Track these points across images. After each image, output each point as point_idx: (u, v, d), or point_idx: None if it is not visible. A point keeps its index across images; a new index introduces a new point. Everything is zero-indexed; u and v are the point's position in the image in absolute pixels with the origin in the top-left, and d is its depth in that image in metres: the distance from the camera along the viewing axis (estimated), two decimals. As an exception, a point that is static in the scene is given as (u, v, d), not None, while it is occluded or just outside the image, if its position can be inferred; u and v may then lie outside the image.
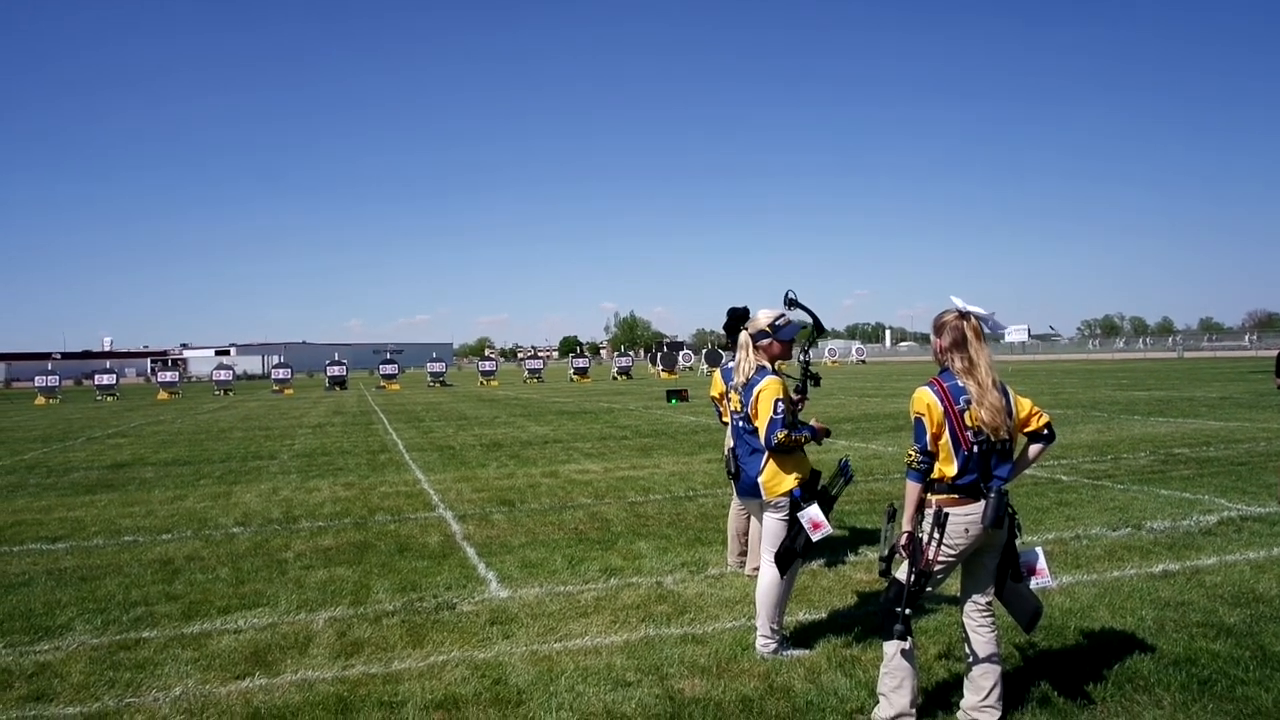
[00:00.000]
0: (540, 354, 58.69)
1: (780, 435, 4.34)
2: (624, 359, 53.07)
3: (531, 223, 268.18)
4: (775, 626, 4.49)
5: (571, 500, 9.20)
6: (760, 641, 4.50)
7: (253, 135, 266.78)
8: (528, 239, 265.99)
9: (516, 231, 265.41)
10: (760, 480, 4.47)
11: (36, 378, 46.58)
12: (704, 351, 56.55)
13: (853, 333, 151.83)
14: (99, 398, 44.72)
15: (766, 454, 4.46)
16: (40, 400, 43.18)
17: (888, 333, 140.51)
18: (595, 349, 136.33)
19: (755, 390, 4.46)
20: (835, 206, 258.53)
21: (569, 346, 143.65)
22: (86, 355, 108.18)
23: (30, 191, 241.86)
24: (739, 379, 4.60)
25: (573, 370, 50.77)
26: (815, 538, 4.37)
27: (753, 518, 4.89)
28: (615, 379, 48.37)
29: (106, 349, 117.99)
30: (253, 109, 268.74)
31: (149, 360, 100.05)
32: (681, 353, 58.71)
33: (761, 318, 4.62)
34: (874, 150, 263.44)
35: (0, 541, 8.02)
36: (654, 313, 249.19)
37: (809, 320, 4.79)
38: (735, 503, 6.04)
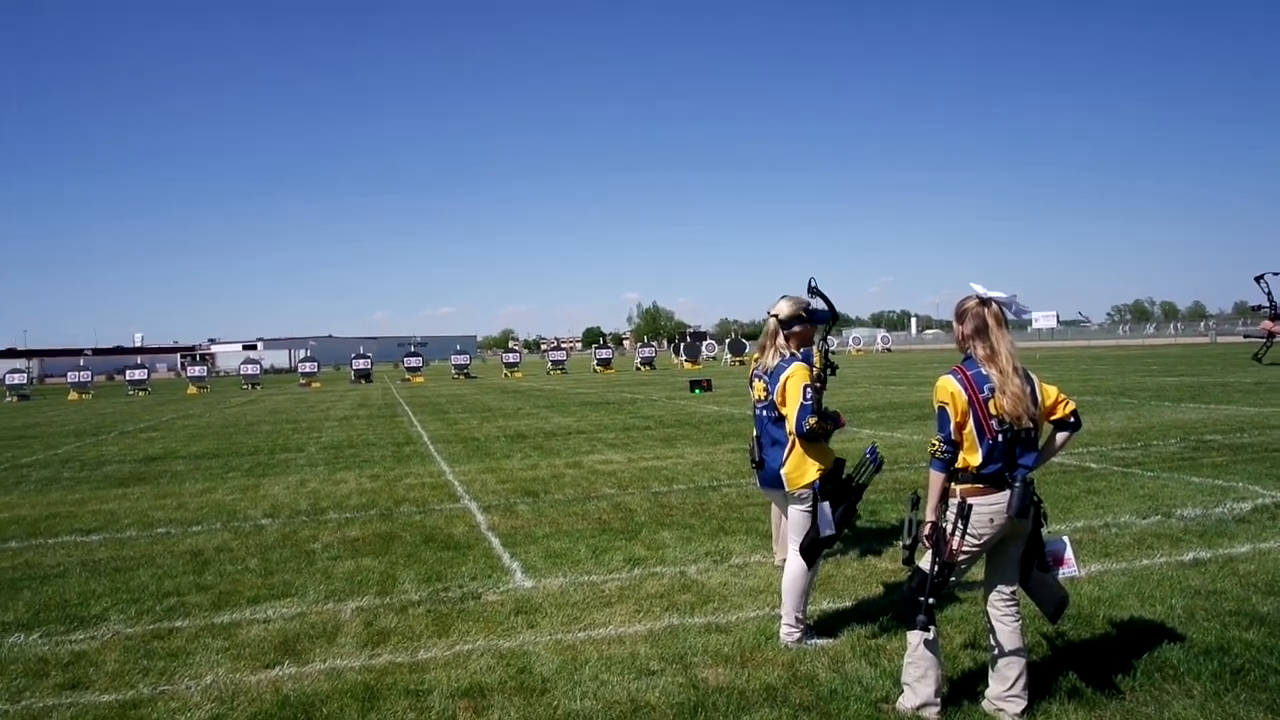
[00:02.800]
0: (563, 345, 58.82)
1: (811, 421, 4.31)
2: (647, 349, 53.02)
3: (554, 213, 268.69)
4: (800, 616, 4.49)
5: (595, 491, 9.23)
6: (785, 630, 4.49)
7: (277, 130, 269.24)
8: (550, 230, 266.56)
9: (539, 222, 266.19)
10: (783, 472, 4.45)
11: (69, 373, 47.39)
12: (727, 341, 56.36)
13: (878, 320, 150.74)
14: (130, 393, 45.42)
15: (790, 444, 4.44)
16: (73, 395, 43.93)
17: (913, 320, 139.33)
18: (618, 340, 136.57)
19: (783, 377, 4.44)
20: (859, 194, 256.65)
21: (592, 337, 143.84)
22: (118, 351, 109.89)
23: (61, 190, 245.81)
24: (767, 364, 4.58)
25: (596, 361, 50.85)
26: (824, 534, 4.31)
27: (775, 507, 4.87)
28: (639, 369, 48.39)
29: (137, 345, 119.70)
30: (276, 103, 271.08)
31: (178, 355, 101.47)
32: (705, 343, 58.55)
33: (787, 305, 4.59)
34: (898, 136, 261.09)
35: (36, 534, 8.18)
36: (677, 303, 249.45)
37: (826, 307, 4.77)
38: None
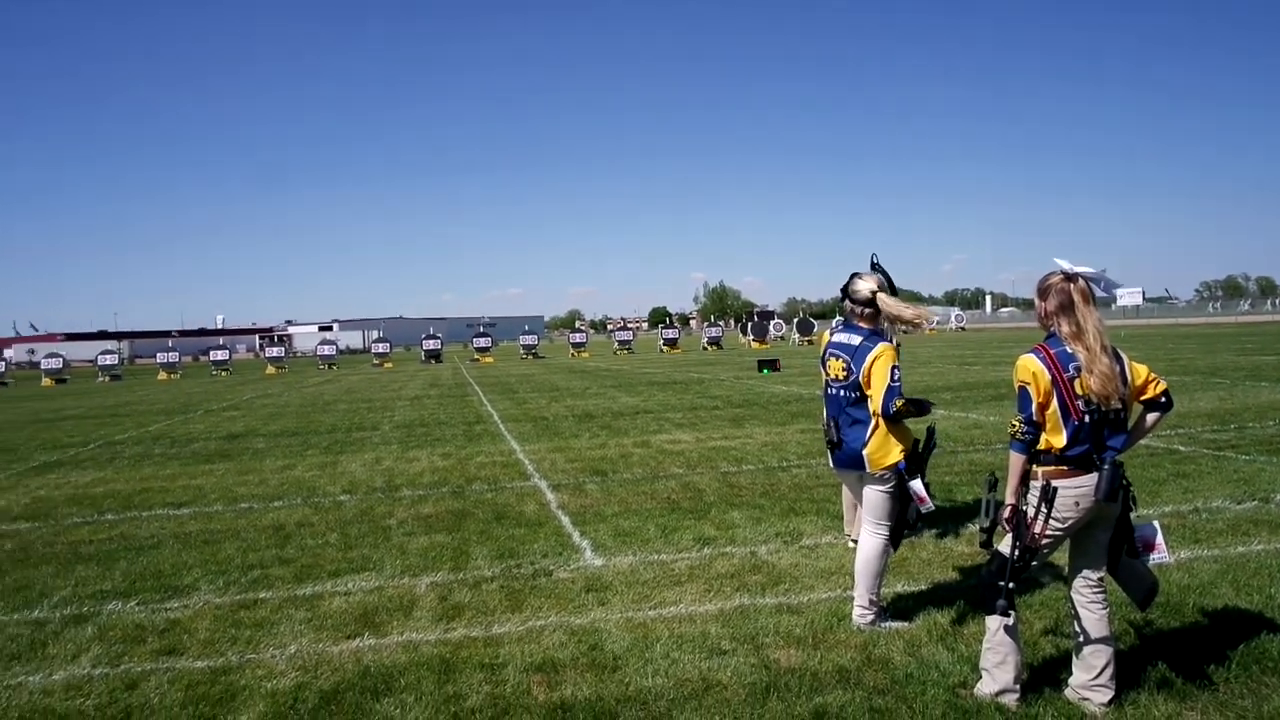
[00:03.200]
0: (630, 325, 58.93)
1: (898, 403, 4.24)
2: (714, 329, 52.76)
3: (620, 194, 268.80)
4: (874, 598, 4.42)
5: (664, 470, 9.24)
6: (858, 612, 4.43)
7: (348, 116, 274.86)
8: (616, 211, 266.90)
9: (605, 203, 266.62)
10: (866, 452, 4.35)
11: (158, 354, 49.42)
12: (795, 320, 55.72)
13: (951, 299, 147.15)
14: (214, 372, 47.22)
15: (873, 424, 4.34)
16: (162, 375, 45.84)
17: (988, 298, 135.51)
18: (685, 320, 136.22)
19: (870, 356, 4.32)
20: (930, 169, 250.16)
21: (658, 317, 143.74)
22: (202, 333, 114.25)
23: (149, 179, 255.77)
24: (849, 341, 4.45)
25: (663, 341, 50.83)
26: (922, 511, 4.32)
27: (847, 487, 4.78)
28: (705, 349, 48.23)
29: (219, 326, 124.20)
30: (351, 89, 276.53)
31: (257, 336, 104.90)
32: (773, 322, 57.94)
33: (866, 284, 4.48)
34: (973, 109, 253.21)
35: (131, 506, 8.58)
36: (744, 282, 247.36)
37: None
38: None
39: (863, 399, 4.38)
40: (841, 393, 4.48)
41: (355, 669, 4.19)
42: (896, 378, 4.27)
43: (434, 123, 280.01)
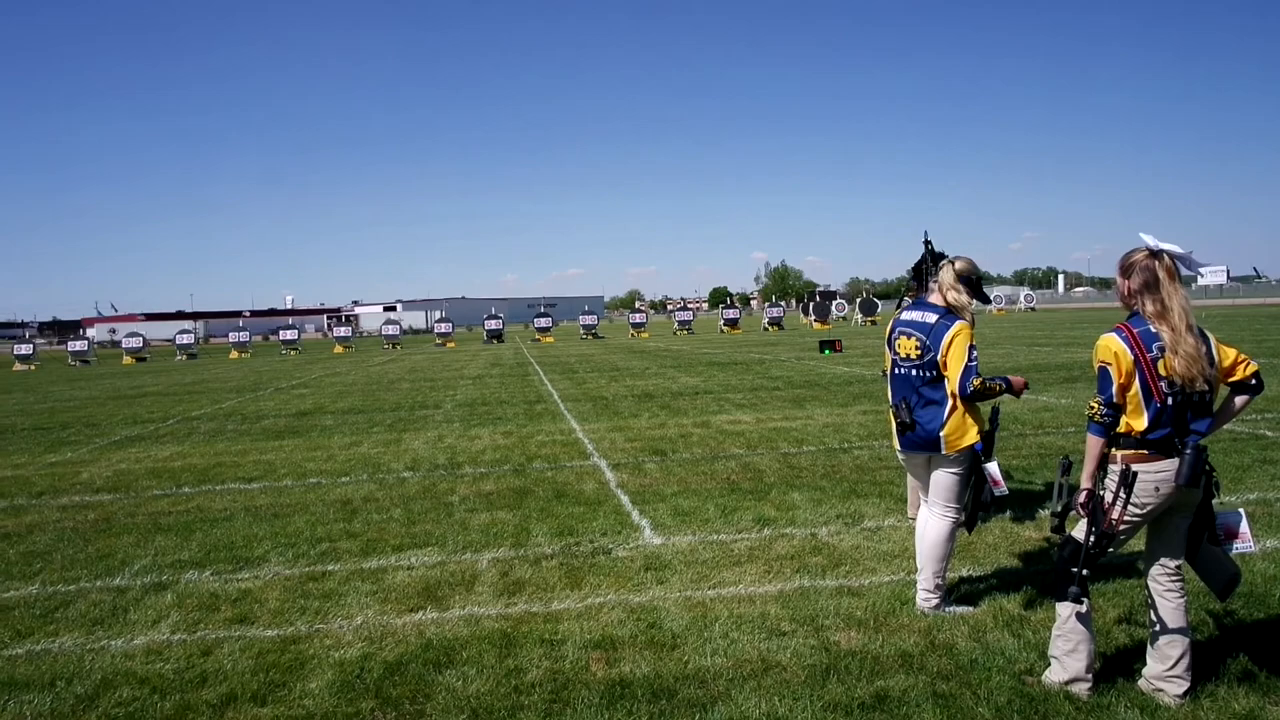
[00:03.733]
0: (689, 305, 58.75)
1: (975, 382, 4.15)
2: (775, 309, 52.29)
3: (681, 173, 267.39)
4: (940, 582, 4.33)
5: (723, 450, 9.20)
6: (922, 596, 4.35)
7: (414, 97, 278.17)
8: (676, 191, 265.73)
9: (665, 183, 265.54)
10: (943, 434, 4.24)
11: (230, 334, 51.08)
12: (858, 301, 54.86)
13: (1020, 278, 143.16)
14: (283, 351, 48.57)
15: (950, 404, 4.23)
16: (234, 354, 47.36)
17: (1060, 278, 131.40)
18: (745, 300, 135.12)
19: (948, 336, 4.21)
20: (999, 143, 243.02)
21: (719, 297, 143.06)
22: (271, 313, 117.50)
23: (221, 166, 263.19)
24: (924, 320, 4.33)
25: (723, 321, 50.56)
26: (995, 494, 4.22)
27: (912, 470, 4.66)
28: (766, 330, 47.84)
29: (288, 307, 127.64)
30: (410, 75, 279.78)
31: (325, 316, 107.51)
32: (835, 302, 57.17)
33: (964, 263, 4.37)
34: (1044, 81, 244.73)
35: (205, 480, 8.88)
36: (806, 262, 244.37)
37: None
38: None
39: (938, 379, 4.26)
40: (914, 372, 4.34)
41: (418, 641, 4.28)
42: (974, 357, 4.18)
43: (497, 104, 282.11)
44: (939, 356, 4.22)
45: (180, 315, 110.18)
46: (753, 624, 4.27)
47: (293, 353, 47.71)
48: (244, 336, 49.18)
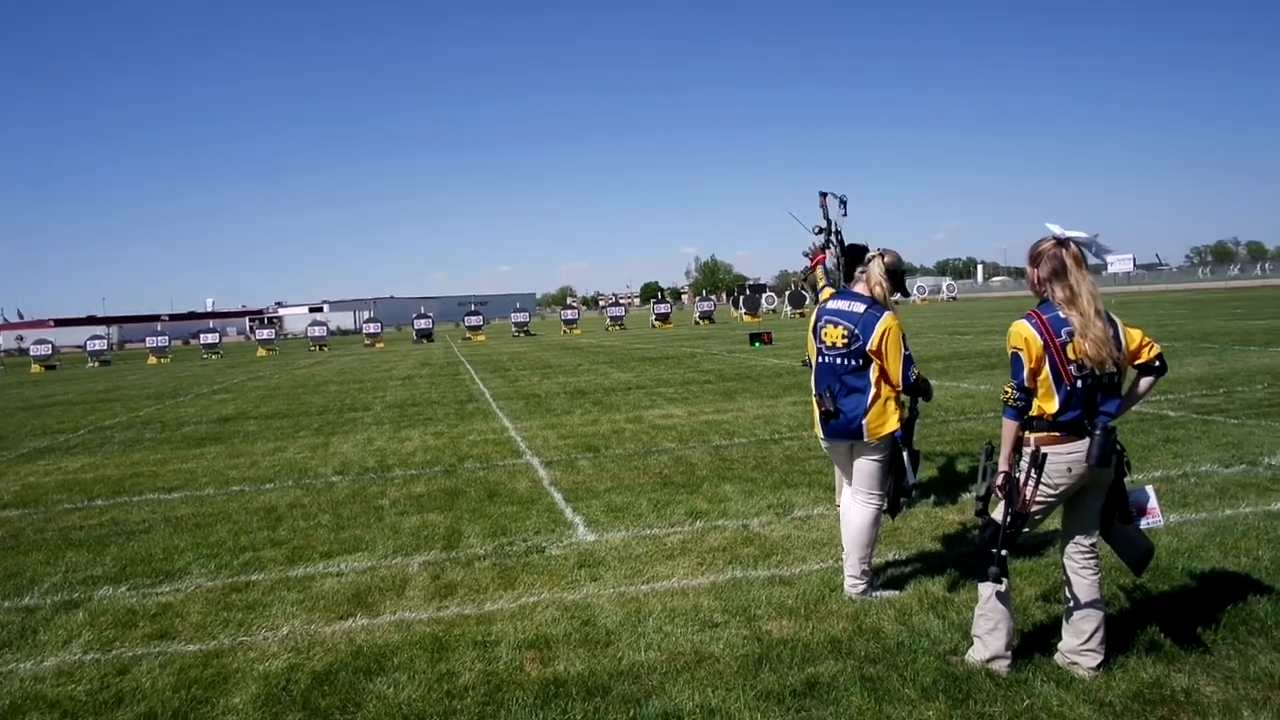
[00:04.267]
0: (621, 301, 58.74)
1: (916, 371, 4.33)
2: (706, 303, 52.71)
3: (611, 169, 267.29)
4: (866, 568, 4.43)
5: (656, 445, 9.24)
6: (850, 582, 4.44)
7: (333, 92, 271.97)
8: (607, 186, 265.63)
9: (595, 179, 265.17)
10: (865, 421, 4.33)
11: (148, 338, 49.20)
12: (787, 294, 55.63)
13: (942, 268, 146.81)
14: (204, 356, 47.03)
15: (874, 392, 4.32)
16: (152, 360, 45.64)
17: (979, 268, 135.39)
18: (676, 294, 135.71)
19: (880, 326, 4.29)
20: (921, 138, 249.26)
21: (650, 292, 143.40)
22: (191, 316, 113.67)
23: (135, 162, 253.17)
24: (850, 309, 4.41)
25: (654, 316, 50.74)
26: (912, 482, 4.37)
27: (835, 457, 4.73)
28: (697, 323, 48.18)
29: (209, 310, 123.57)
30: (335, 64, 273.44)
31: (248, 319, 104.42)
32: (764, 295, 57.81)
33: (888, 260, 4.46)
34: (963, 79, 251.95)
35: (121, 492, 8.54)
36: (736, 256, 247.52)
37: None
38: None
39: (862, 368, 4.35)
40: (840, 360, 4.41)
41: (348, 649, 4.19)
42: (908, 346, 4.36)
43: (423, 102, 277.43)
44: (868, 346, 4.31)
45: (92, 320, 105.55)
46: (686, 617, 4.30)
47: (214, 357, 46.23)
48: (162, 341, 47.42)
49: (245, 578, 5.43)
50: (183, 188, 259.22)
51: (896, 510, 4.58)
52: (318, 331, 50.16)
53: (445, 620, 4.49)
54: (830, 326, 4.45)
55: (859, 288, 4.50)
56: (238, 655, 4.20)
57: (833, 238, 5.95)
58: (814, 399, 4.58)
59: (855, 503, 4.48)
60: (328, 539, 6.23)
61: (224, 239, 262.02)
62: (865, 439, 4.35)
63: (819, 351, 4.53)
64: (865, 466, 4.44)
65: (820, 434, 4.56)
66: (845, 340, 4.37)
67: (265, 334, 50.80)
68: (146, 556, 6.06)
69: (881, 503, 4.47)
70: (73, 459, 11.00)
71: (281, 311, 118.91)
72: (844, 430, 4.41)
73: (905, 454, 4.39)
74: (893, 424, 4.35)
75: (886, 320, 4.30)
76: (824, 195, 5.11)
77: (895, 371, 4.29)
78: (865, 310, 4.36)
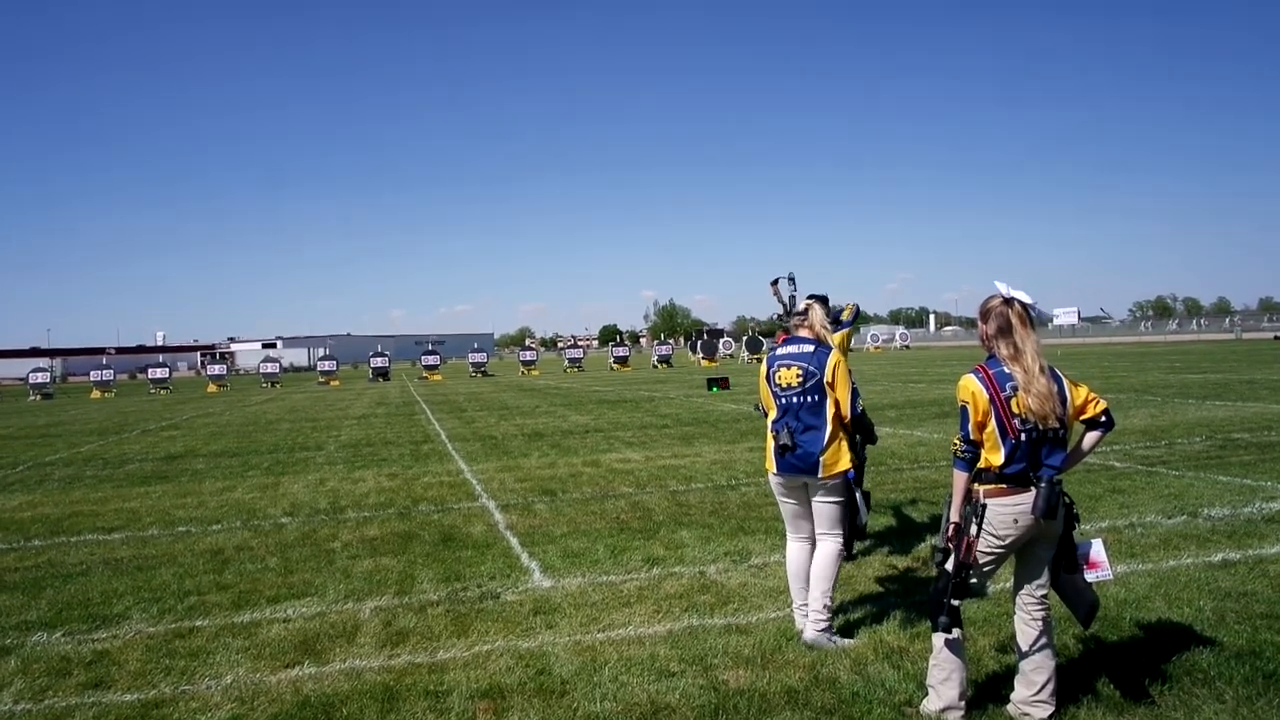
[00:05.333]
0: (580, 343, 58.80)
1: (862, 404, 4.56)
2: (664, 347, 52.94)
3: (570, 211, 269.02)
4: (829, 603, 4.47)
5: (613, 489, 9.21)
6: (815, 619, 4.43)
7: (294, 128, 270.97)
8: (566, 227, 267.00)
9: (555, 220, 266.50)
10: (822, 458, 4.43)
11: (92, 372, 47.88)
12: (744, 339, 56.17)
13: (895, 317, 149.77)
14: (152, 391, 45.87)
15: (830, 430, 4.45)
16: (96, 394, 44.39)
17: (932, 317, 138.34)
18: (635, 337, 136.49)
19: (831, 360, 4.52)
20: (878, 191, 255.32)
21: (609, 335, 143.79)
22: (140, 350, 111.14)
23: (83, 191, 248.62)
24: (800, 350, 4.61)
25: (613, 359, 50.84)
26: (865, 519, 4.50)
27: (785, 495, 4.74)
28: (656, 367, 48.33)
29: (159, 344, 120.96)
30: (292, 99, 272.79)
31: (199, 354, 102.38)
32: (722, 340, 58.36)
33: (829, 305, 4.84)
34: (917, 133, 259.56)
35: (59, 532, 8.25)
36: (694, 300, 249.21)
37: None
38: None
39: (818, 404, 4.47)
40: (795, 399, 4.53)
41: (294, 699, 4.07)
42: (855, 380, 4.57)
43: (382, 140, 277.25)
44: (825, 379, 4.48)
45: (36, 352, 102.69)
46: (642, 666, 4.27)
47: (163, 392, 45.11)
48: (107, 374, 46.18)
49: (189, 623, 5.26)
50: (134, 218, 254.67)
51: (850, 549, 4.69)
52: (271, 368, 49.32)
53: (396, 669, 4.39)
54: (784, 369, 4.61)
55: (803, 332, 4.71)
56: (179, 705, 4.06)
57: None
58: (770, 434, 4.64)
59: (820, 540, 4.56)
60: (276, 583, 6.07)
61: (177, 272, 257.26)
62: (820, 476, 4.44)
63: (776, 396, 4.64)
64: (824, 509, 4.53)
65: (773, 469, 4.60)
66: (800, 379, 4.53)
67: (217, 369, 49.77)
68: (84, 600, 5.85)
69: (840, 541, 4.54)
70: (9, 496, 10.61)
71: (234, 347, 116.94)
72: (799, 466, 4.49)
73: (858, 494, 4.54)
74: (846, 463, 4.48)
75: (835, 355, 4.57)
76: (774, 284, 5.40)
77: (845, 400, 4.48)
78: (816, 349, 4.59)
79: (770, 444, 4.63)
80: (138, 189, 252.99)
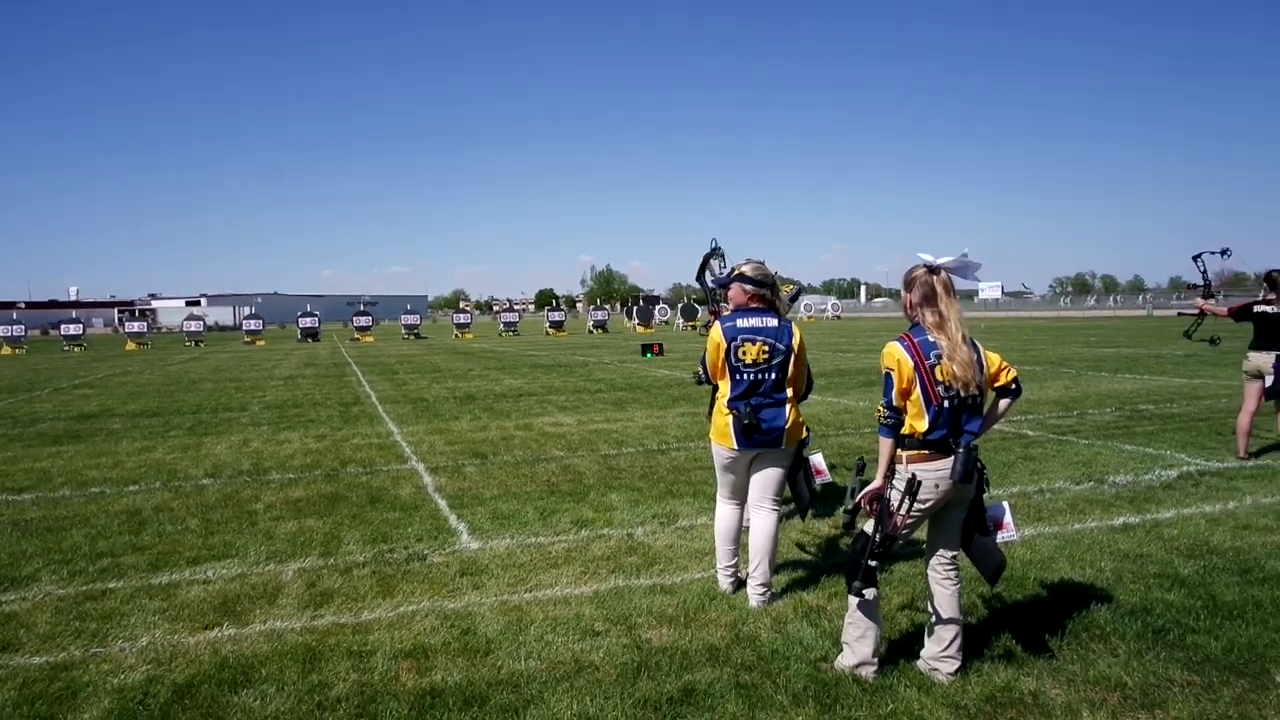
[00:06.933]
0: (516, 306, 58.30)
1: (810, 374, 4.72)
2: (600, 312, 52.85)
3: (510, 175, 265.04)
4: (771, 573, 4.57)
5: (544, 453, 9.22)
6: (758, 591, 4.53)
7: (223, 76, 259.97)
8: (505, 191, 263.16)
9: (495, 185, 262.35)
10: (786, 429, 4.50)
11: (1, 327, 45.66)
12: (680, 306, 56.40)
13: (829, 288, 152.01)
14: (66, 348, 43.94)
15: (791, 403, 4.52)
16: (5, 350, 42.38)
17: (863, 288, 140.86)
18: (571, 302, 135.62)
19: (796, 334, 4.54)
20: (816, 163, 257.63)
21: (545, 299, 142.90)
22: (52, 305, 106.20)
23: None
24: (763, 324, 4.52)
25: (549, 323, 50.55)
26: (819, 484, 4.63)
27: (737, 469, 4.74)
28: (591, 332, 48.26)
29: (73, 299, 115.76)
30: (226, 49, 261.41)
31: (116, 310, 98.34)
32: (658, 307, 58.47)
33: (764, 270, 4.71)
34: (854, 106, 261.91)
35: (-37, 492, 7.90)
36: (631, 266, 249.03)
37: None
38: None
39: (782, 380, 4.51)
40: (760, 375, 4.47)
41: (212, 660, 4.01)
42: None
43: (321, 94, 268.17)
44: (790, 352, 4.48)
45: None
46: (567, 625, 4.32)
47: (77, 349, 43.25)
48: (17, 330, 44.07)
49: (102, 585, 5.12)
50: (46, 165, 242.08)
51: (806, 512, 4.83)
52: (194, 326, 47.74)
53: (319, 630, 4.36)
54: (749, 344, 4.48)
55: (756, 304, 4.60)
56: (90, 668, 3.97)
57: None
58: (725, 411, 4.52)
59: (762, 511, 4.61)
60: (196, 544, 5.94)
61: (92, 223, 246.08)
62: (784, 445, 4.53)
63: (736, 371, 4.50)
64: (774, 475, 4.59)
65: (733, 445, 4.50)
66: (767, 355, 4.47)
67: (136, 327, 47.88)
68: (-10, 562, 5.63)
69: (777, 513, 4.65)
70: (-93, 455, 10.10)
71: (155, 304, 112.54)
72: (764, 440, 4.50)
73: (812, 459, 4.73)
74: (801, 431, 4.64)
75: (797, 328, 4.55)
76: (702, 266, 5.40)
77: (802, 377, 4.63)
78: (779, 323, 4.54)
79: (723, 419, 4.53)
80: (48, 132, 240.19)
